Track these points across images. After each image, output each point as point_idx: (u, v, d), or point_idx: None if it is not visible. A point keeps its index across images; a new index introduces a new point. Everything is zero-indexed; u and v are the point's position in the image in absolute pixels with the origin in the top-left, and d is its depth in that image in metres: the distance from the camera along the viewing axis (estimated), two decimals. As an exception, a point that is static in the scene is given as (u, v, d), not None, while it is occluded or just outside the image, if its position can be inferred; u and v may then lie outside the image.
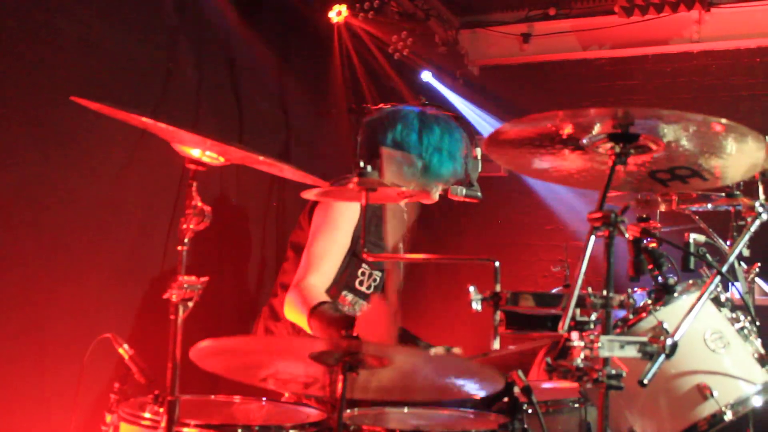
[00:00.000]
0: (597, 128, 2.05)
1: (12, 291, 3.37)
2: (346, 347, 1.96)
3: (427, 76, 6.50)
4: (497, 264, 2.05)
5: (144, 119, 2.03)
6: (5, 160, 3.39)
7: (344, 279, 3.11)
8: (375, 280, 3.24)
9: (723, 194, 3.24)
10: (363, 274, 3.17)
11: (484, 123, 6.46)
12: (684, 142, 2.04)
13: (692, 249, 2.60)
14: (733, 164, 2.11)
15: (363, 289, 3.16)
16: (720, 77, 6.32)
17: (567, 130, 2.08)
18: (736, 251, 2.41)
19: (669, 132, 2.01)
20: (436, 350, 3.10)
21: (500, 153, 2.24)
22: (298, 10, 5.28)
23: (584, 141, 2.13)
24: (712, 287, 2.14)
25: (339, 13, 5.49)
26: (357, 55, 5.79)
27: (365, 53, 5.87)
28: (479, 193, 3.31)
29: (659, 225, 3.59)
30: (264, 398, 2.70)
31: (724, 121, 1.87)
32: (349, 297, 3.19)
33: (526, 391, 2.21)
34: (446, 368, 2.23)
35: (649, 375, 1.88)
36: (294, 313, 3.00)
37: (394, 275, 3.19)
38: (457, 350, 3.15)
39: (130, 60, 3.92)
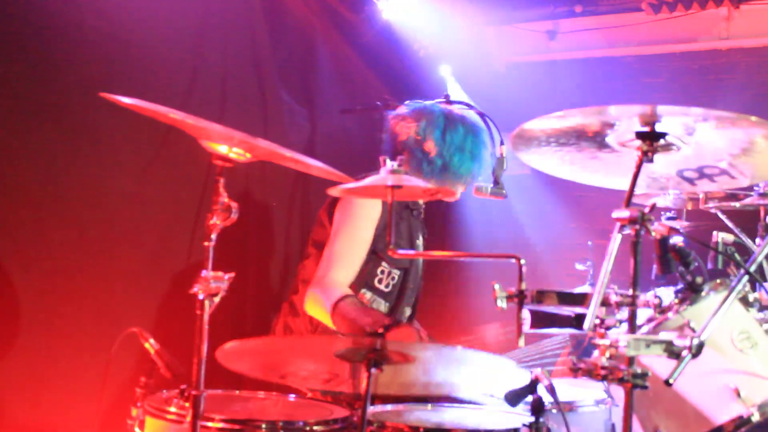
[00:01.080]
0: (624, 126, 2.04)
1: (39, 285, 3.41)
2: (371, 344, 1.96)
3: (452, 72, 6.48)
4: (522, 261, 2.04)
5: (173, 115, 2.05)
6: (35, 156, 3.43)
7: (364, 277, 3.11)
8: (394, 279, 3.24)
9: (752, 193, 3.21)
10: (382, 272, 3.17)
11: (509, 121, 6.42)
12: (712, 141, 2.03)
13: (720, 248, 2.59)
14: (764, 162, 2.09)
15: (382, 287, 3.17)
16: (749, 74, 6.25)
17: (593, 127, 2.08)
18: (765, 251, 2.39)
19: (697, 130, 2.00)
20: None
21: (526, 150, 2.24)
22: (327, 6, 5.30)
23: (610, 139, 2.12)
24: (739, 287, 2.12)
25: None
26: (381, 51, 5.78)
27: (391, 49, 5.87)
28: (504, 191, 3.31)
29: (686, 223, 3.57)
30: (290, 395, 2.72)
31: (753, 118, 1.85)
32: (368, 295, 3.20)
33: (551, 389, 2.21)
34: (471, 365, 2.23)
35: (675, 374, 1.87)
36: (316, 309, 3.01)
37: (412, 274, 3.21)
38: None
39: (156, 55, 3.95)
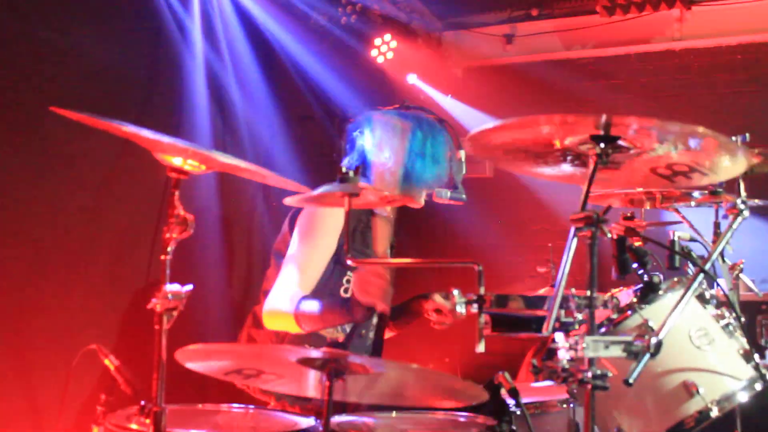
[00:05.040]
0: (578, 131, 2.05)
1: (-5, 302, 3.36)
2: (330, 355, 1.96)
3: (411, 78, 6.50)
4: (480, 268, 2.05)
5: (125, 129, 2.02)
6: (-13, 172, 3.38)
7: (329, 287, 3.09)
8: (359, 287, 3.22)
9: (706, 192, 3.25)
10: (348, 281, 3.15)
11: (468, 125, 6.46)
12: (667, 146, 2.04)
13: (677, 247, 2.61)
14: (721, 166, 2.10)
15: (347, 296, 3.15)
16: (702, 74, 6.35)
17: (547, 133, 2.08)
18: (719, 249, 2.43)
19: (652, 135, 2.01)
20: (435, 296, 3.13)
21: (485, 155, 2.24)
22: (286, 15, 5.28)
23: (566, 142, 2.13)
24: (695, 285, 2.15)
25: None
26: (340, 58, 5.78)
27: (348, 57, 5.87)
28: (464, 196, 3.30)
29: (644, 223, 3.61)
30: (251, 406, 2.69)
31: (700, 129, 1.87)
32: None
33: (513, 392, 2.22)
34: (432, 382, 2.23)
35: (635, 374, 1.89)
36: (276, 318, 2.97)
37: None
38: (456, 293, 3.14)
39: (110, 69, 3.91)
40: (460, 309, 2.02)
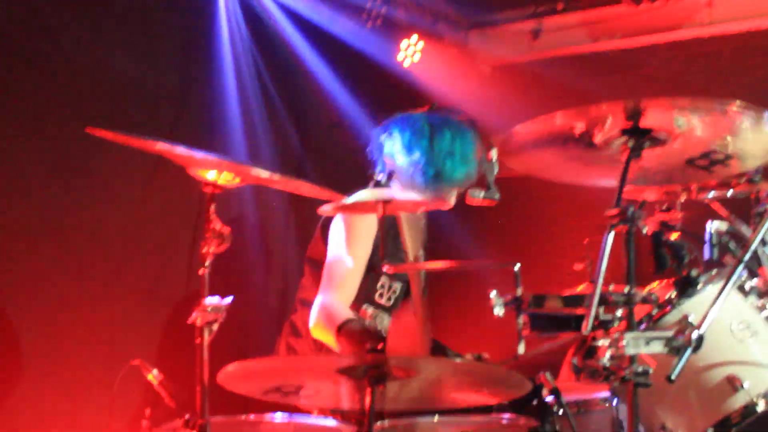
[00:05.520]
0: (608, 124, 2.04)
1: (39, 321, 3.42)
2: (371, 361, 1.96)
3: (439, 79, 6.49)
4: (517, 268, 2.04)
5: (158, 146, 2.05)
6: (26, 191, 3.44)
7: (364, 293, 3.10)
8: (395, 292, 3.23)
9: (742, 180, 3.20)
10: (382, 286, 3.16)
11: (498, 124, 6.42)
12: (698, 130, 2.02)
13: (714, 238, 2.58)
14: (753, 147, 2.07)
15: (383, 302, 3.16)
16: (734, 60, 6.25)
17: (578, 128, 2.07)
18: (759, 237, 2.39)
19: (683, 121, 1.99)
20: (466, 358, 3.13)
21: (514, 156, 2.24)
22: (312, 21, 5.31)
23: (597, 138, 2.12)
24: (735, 276, 2.12)
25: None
26: (366, 63, 5.79)
27: (375, 61, 5.88)
28: (497, 195, 3.29)
29: (680, 215, 3.56)
30: (293, 414, 2.71)
31: (738, 103, 1.85)
32: (370, 310, 3.18)
33: (555, 393, 2.20)
34: (473, 376, 2.22)
35: (677, 370, 1.87)
36: (322, 333, 3.00)
37: (415, 285, 3.19)
38: (486, 356, 3.17)
39: (143, 87, 3.96)
40: (498, 311, 2.02)
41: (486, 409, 2.61)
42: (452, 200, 3.20)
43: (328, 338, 2.97)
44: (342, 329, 2.86)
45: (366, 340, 2.78)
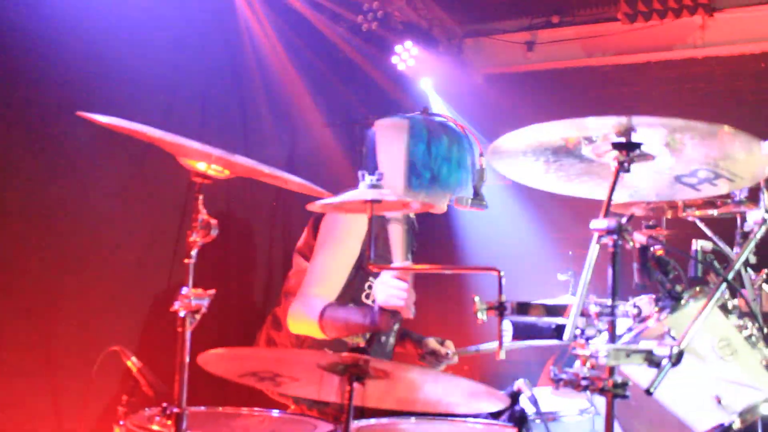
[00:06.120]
0: (599, 137, 2.05)
1: (20, 304, 3.39)
2: (351, 359, 1.96)
3: (431, 85, 6.51)
4: (501, 274, 2.05)
5: (150, 133, 2.04)
6: (12, 174, 3.42)
7: (350, 292, 3.09)
8: (381, 293, 3.23)
9: (728, 200, 3.22)
10: (369, 287, 3.16)
11: (489, 132, 6.44)
12: (689, 149, 2.03)
13: (699, 256, 2.60)
14: (743, 168, 2.09)
15: (369, 302, 3.16)
16: (725, 83, 6.31)
17: (569, 140, 2.08)
18: (742, 258, 2.41)
19: (674, 139, 2.01)
20: (430, 341, 3.20)
21: (503, 163, 2.24)
22: (308, 22, 5.31)
23: (587, 150, 2.13)
24: (718, 294, 2.14)
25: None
26: (361, 65, 5.81)
27: (369, 64, 5.89)
28: (485, 202, 3.31)
29: (666, 232, 3.58)
30: (272, 410, 2.70)
31: (726, 128, 1.86)
32: None
33: (533, 400, 2.21)
34: (452, 387, 2.23)
35: (656, 384, 1.88)
36: (300, 323, 2.99)
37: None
38: (449, 343, 3.24)
39: (134, 74, 3.94)
40: (481, 316, 2.02)
41: (464, 415, 2.62)
42: (445, 205, 3.20)
43: (308, 328, 2.96)
44: (324, 311, 2.86)
45: (357, 314, 2.79)
